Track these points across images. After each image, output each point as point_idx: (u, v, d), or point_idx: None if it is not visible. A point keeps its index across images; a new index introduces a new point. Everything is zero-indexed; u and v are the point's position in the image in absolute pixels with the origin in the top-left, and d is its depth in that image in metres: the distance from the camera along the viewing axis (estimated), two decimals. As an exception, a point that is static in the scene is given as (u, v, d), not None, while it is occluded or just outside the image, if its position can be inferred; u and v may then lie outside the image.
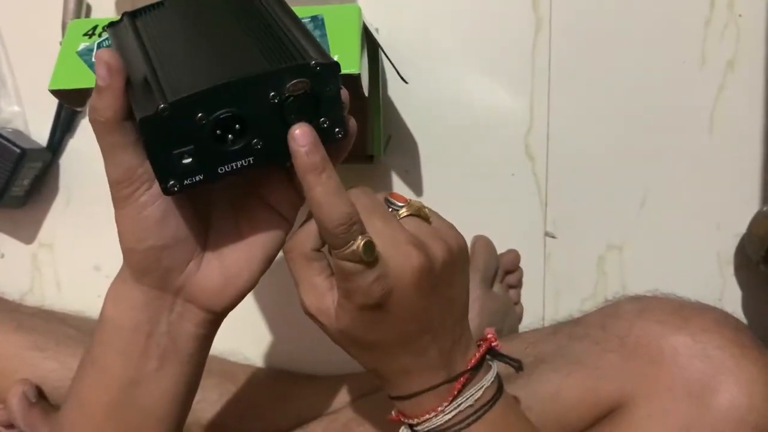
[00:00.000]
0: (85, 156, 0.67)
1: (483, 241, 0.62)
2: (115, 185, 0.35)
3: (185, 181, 0.33)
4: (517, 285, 0.64)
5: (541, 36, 0.62)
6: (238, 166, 0.34)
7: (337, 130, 0.35)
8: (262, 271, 0.39)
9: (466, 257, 0.38)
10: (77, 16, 0.64)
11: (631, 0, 0.61)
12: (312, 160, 0.33)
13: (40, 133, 0.66)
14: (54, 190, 0.67)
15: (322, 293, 0.36)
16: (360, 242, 0.33)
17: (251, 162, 0.34)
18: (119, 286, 0.38)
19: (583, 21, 0.62)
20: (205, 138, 0.32)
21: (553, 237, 0.64)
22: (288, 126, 0.34)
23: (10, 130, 0.65)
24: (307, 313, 0.37)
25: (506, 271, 0.63)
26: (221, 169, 0.34)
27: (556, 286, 0.65)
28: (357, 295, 0.34)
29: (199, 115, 0.32)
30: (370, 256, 0.33)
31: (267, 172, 0.38)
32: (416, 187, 0.66)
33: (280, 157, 0.34)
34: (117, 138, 0.34)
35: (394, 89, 0.63)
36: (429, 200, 0.66)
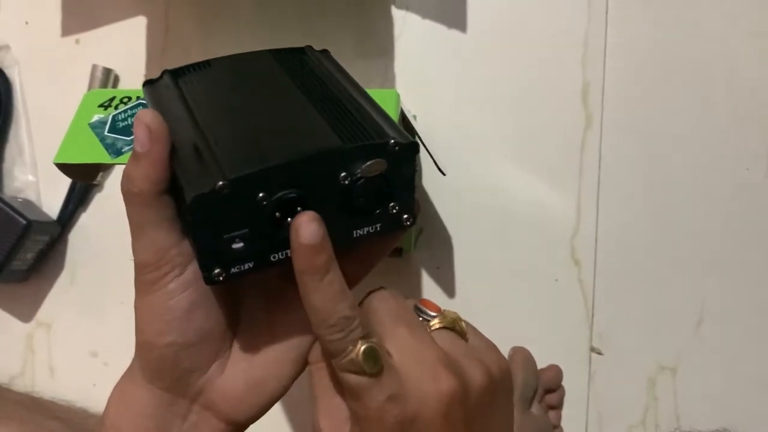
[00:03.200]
0: (96, 233, 0.63)
1: (523, 355, 0.55)
2: (141, 267, 0.30)
3: (232, 269, 0.28)
4: (558, 406, 0.56)
5: (591, 132, 0.58)
6: None
7: (405, 216, 0.31)
8: (295, 376, 0.33)
9: (509, 385, 0.32)
10: (104, 86, 0.62)
11: (690, 97, 0.57)
12: (316, 262, 0.27)
13: (52, 205, 0.63)
14: (59, 267, 0.63)
15: (340, 420, 0.29)
16: (359, 348, 0.27)
17: None
18: (127, 386, 0.32)
19: (637, 118, 0.57)
20: (263, 221, 0.28)
21: (599, 353, 0.58)
22: (353, 210, 0.29)
23: (20, 199, 0.62)
24: None
25: (546, 390, 0.56)
26: (274, 257, 0.29)
27: (600, 409, 0.58)
28: (369, 421, 0.27)
29: (261, 195, 0.27)
30: (373, 366, 0.27)
31: None
32: (447, 286, 0.60)
33: (340, 243, 0.29)
34: (151, 214, 0.29)
35: (429, 179, 0.59)
36: (460, 302, 0.61)
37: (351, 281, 0.33)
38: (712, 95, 0.57)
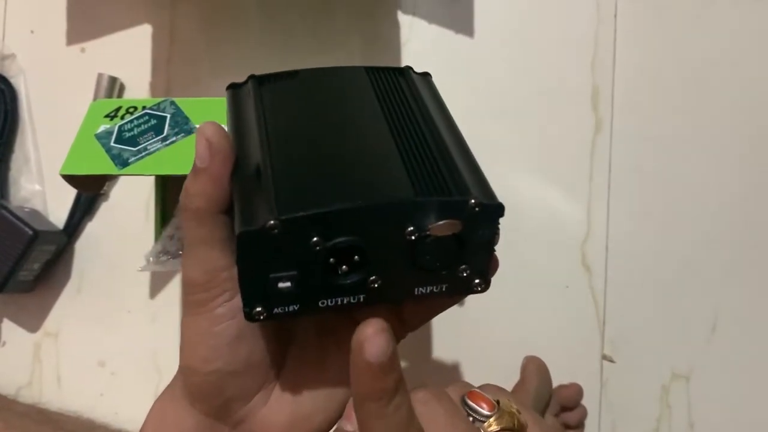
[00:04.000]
0: (102, 242, 0.62)
1: (536, 364, 0.54)
2: (190, 286, 0.28)
3: (275, 310, 0.26)
4: (577, 426, 0.55)
5: (601, 137, 0.57)
6: (344, 302, 0.27)
7: (477, 281, 0.28)
8: (341, 415, 0.30)
9: None
10: (109, 95, 0.61)
11: (701, 100, 0.56)
12: (383, 384, 0.23)
13: (58, 214, 0.63)
14: (66, 277, 0.63)
15: None
16: None
17: (360, 300, 0.27)
18: (167, 404, 0.31)
19: (647, 122, 0.57)
20: (314, 265, 0.26)
21: (612, 361, 0.57)
22: (417, 267, 0.26)
23: (27, 209, 0.62)
24: None
25: (564, 407, 0.55)
26: (322, 303, 0.27)
27: (613, 417, 0.57)
28: None
29: (315, 239, 0.25)
30: None
31: None
32: (457, 293, 0.59)
33: (397, 299, 0.27)
34: (205, 232, 0.27)
35: (438, 186, 0.58)
36: (470, 308, 0.61)
37: (399, 334, 0.31)
38: (723, 98, 0.56)
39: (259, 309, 0.26)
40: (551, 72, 0.58)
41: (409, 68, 0.34)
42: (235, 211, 0.26)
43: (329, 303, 0.27)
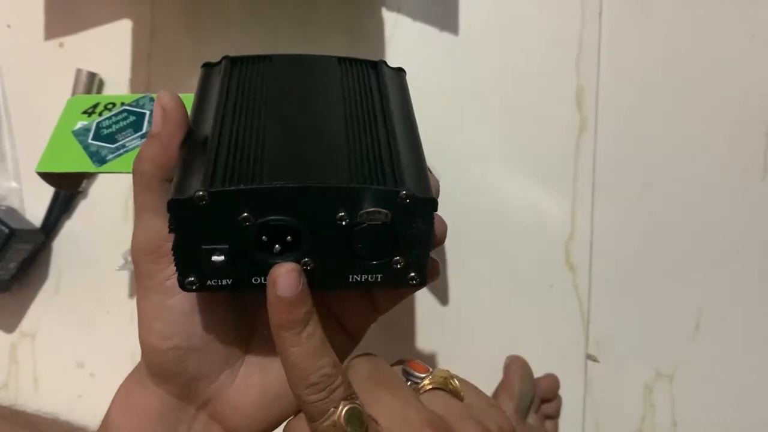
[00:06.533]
0: (80, 240, 0.61)
1: (519, 364, 0.54)
2: (137, 254, 0.29)
3: (208, 282, 0.27)
4: (555, 416, 0.55)
5: (585, 136, 0.57)
6: None
7: (412, 275, 0.28)
8: None
9: None
10: (88, 91, 0.60)
11: (684, 100, 0.56)
12: (294, 315, 0.26)
13: (35, 212, 0.61)
14: (43, 276, 0.62)
15: None
16: (341, 410, 0.25)
17: None
18: (133, 386, 0.31)
19: (632, 121, 0.57)
20: (246, 241, 0.26)
21: (596, 360, 0.57)
22: (353, 255, 0.27)
23: (3, 207, 0.60)
24: None
25: (542, 399, 0.55)
26: (256, 280, 0.28)
27: (597, 417, 0.57)
28: None
29: (244, 215, 0.26)
30: (357, 430, 0.25)
31: None
32: (440, 292, 0.59)
33: (332, 285, 0.28)
34: (153, 198, 0.28)
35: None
36: (453, 309, 0.60)
37: (355, 330, 0.32)
38: (707, 98, 0.56)
39: (191, 279, 0.27)
40: (536, 71, 0.57)
41: (382, 62, 0.34)
42: (173, 179, 0.27)
43: (263, 281, 0.27)
